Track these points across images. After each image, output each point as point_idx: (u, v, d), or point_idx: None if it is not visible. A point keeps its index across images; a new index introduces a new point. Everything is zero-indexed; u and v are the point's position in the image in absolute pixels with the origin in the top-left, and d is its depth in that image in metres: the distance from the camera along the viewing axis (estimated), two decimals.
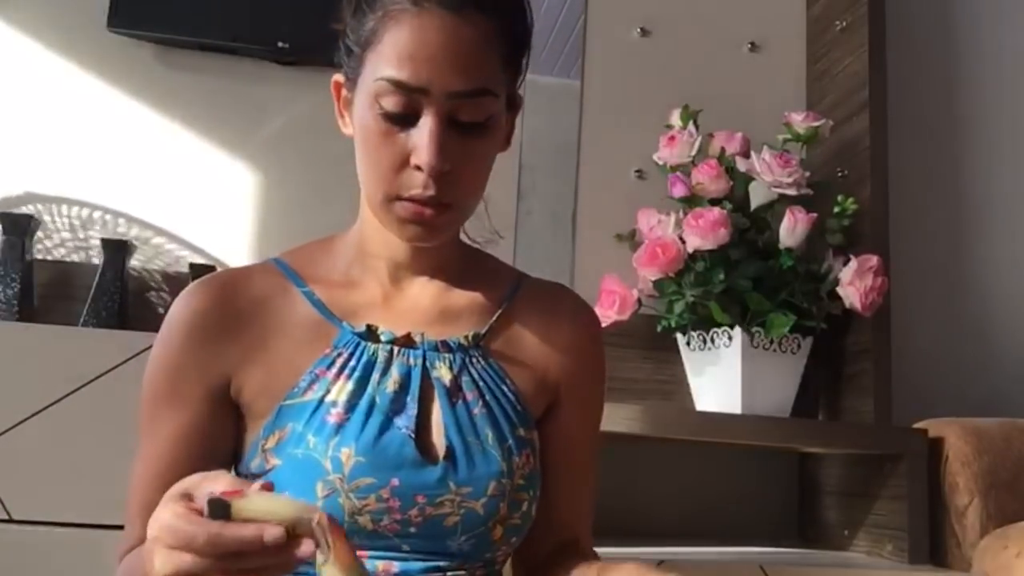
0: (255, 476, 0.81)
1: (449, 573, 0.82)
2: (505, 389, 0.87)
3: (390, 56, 0.78)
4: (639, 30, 2.02)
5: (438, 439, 0.82)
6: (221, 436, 0.85)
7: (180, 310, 0.85)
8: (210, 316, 0.84)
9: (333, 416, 0.80)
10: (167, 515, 0.59)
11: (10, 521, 1.33)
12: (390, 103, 0.78)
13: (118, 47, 1.81)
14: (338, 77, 0.88)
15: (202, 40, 1.82)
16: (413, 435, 0.80)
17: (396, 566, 0.81)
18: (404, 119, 0.79)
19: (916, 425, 1.67)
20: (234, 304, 0.85)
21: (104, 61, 1.82)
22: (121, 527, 0.85)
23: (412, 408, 0.82)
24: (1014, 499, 1.58)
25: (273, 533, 0.57)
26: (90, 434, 1.35)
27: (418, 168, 0.79)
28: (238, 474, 0.85)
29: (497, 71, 0.81)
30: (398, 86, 0.77)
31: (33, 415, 1.35)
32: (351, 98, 0.85)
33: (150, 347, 0.86)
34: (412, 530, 0.80)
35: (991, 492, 1.57)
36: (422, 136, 0.78)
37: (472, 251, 0.97)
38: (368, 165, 0.82)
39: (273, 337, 0.85)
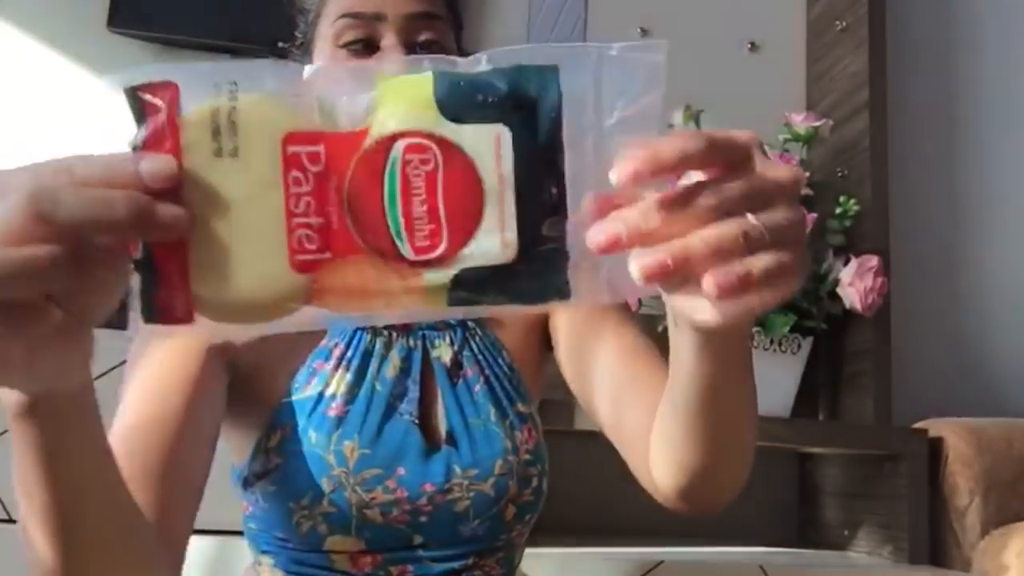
0: (258, 477, 0.80)
1: (464, 574, 0.81)
2: (502, 363, 0.86)
3: (340, 2, 0.82)
4: (639, 30, 2.02)
5: (440, 423, 0.81)
6: (218, 393, 0.78)
7: None
8: None
9: (333, 409, 0.79)
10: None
11: (10, 521, 1.33)
12: (350, 35, 0.81)
13: (118, 47, 1.81)
14: None
15: (203, 40, 1.81)
16: (417, 420, 0.79)
17: (411, 570, 0.80)
18: (365, 47, 0.81)
19: (916, 425, 1.67)
20: None
21: (104, 61, 1.81)
22: None
23: (414, 392, 0.81)
24: (1014, 499, 1.58)
25: None
26: None
27: None
28: (242, 478, 0.83)
29: (443, 6, 0.84)
30: (355, 16, 0.81)
31: None
32: None
33: None
34: (423, 519, 0.79)
35: (991, 492, 1.57)
36: (386, 54, 0.80)
37: None
38: None
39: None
